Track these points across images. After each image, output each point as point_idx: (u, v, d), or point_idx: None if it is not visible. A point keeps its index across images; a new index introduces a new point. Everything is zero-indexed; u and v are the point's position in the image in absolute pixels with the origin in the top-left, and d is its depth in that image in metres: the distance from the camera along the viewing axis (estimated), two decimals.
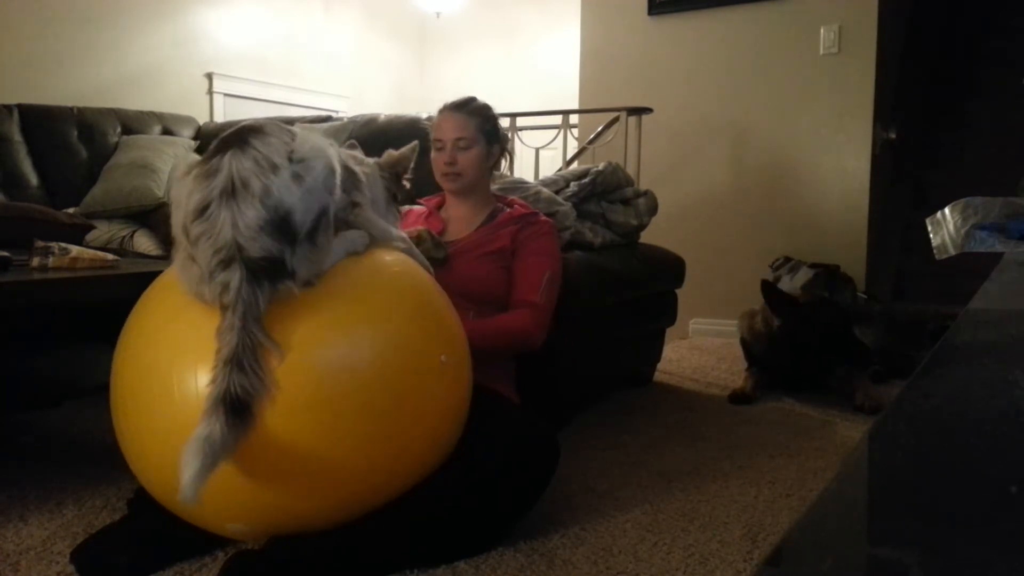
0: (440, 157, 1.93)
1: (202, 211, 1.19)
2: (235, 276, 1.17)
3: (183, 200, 1.23)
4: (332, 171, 1.28)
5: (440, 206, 2.05)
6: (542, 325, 1.86)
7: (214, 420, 1.12)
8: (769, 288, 2.74)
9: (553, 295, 1.90)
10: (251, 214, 1.17)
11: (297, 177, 1.21)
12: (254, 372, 1.15)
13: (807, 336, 2.65)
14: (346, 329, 1.30)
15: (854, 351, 2.67)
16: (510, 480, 1.48)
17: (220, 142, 1.25)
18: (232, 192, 1.17)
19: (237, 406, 1.13)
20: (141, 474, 1.37)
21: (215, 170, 1.20)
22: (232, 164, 1.19)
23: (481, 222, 1.97)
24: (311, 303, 1.26)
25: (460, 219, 1.99)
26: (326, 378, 1.25)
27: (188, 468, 1.09)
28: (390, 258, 1.46)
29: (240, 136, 1.23)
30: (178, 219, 1.24)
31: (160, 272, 1.51)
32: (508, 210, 1.99)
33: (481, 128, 1.94)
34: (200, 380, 1.21)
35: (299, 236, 1.21)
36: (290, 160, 1.22)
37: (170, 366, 1.26)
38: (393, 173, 1.63)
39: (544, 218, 2.03)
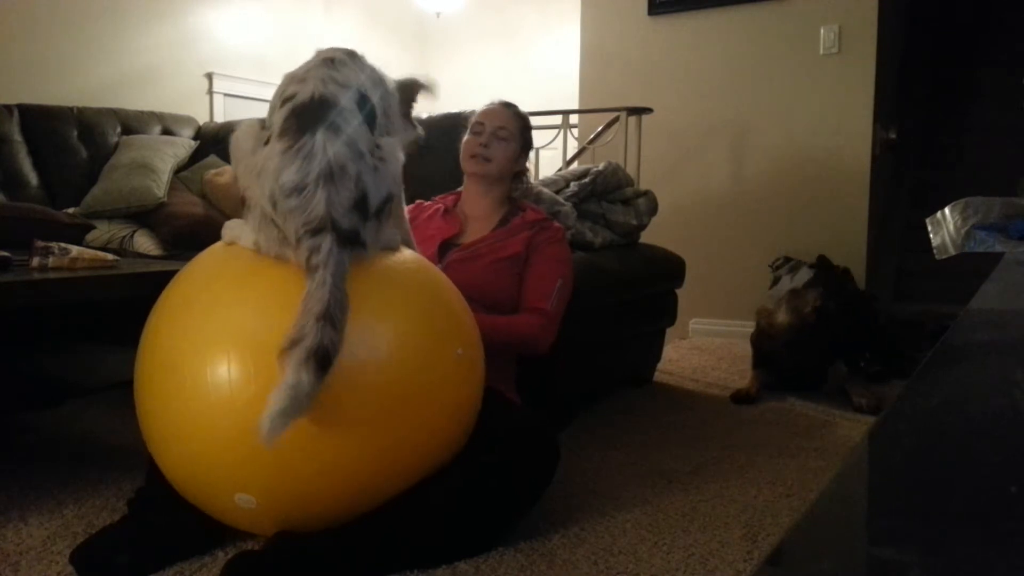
0: (475, 139, 1.96)
1: (299, 190, 1.25)
2: (326, 240, 1.24)
3: (271, 171, 1.28)
4: (400, 168, 1.41)
5: (456, 203, 2.05)
6: (550, 332, 1.87)
7: (303, 371, 1.15)
8: (826, 262, 2.87)
9: (563, 303, 1.91)
10: (345, 195, 1.27)
11: (375, 169, 1.33)
12: (341, 328, 1.21)
13: (836, 325, 2.68)
14: (366, 317, 1.32)
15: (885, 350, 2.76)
16: (511, 480, 1.48)
17: (300, 116, 1.30)
18: (331, 176, 1.26)
19: (324, 360, 1.17)
20: (163, 460, 1.39)
21: (311, 153, 1.27)
22: (328, 149, 1.27)
23: (496, 224, 1.98)
24: None
25: (477, 219, 1.99)
26: (345, 361, 1.26)
27: (274, 407, 1.13)
28: (406, 255, 1.50)
29: (325, 114, 1.30)
30: (264, 187, 1.28)
31: (162, 271, 1.52)
32: (521, 215, 1.99)
33: (520, 131, 2.01)
34: (232, 369, 1.24)
35: (370, 213, 1.31)
36: (371, 153, 1.33)
37: (201, 355, 1.28)
38: (406, 96, 1.62)
39: (557, 224, 2.04)
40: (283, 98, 1.35)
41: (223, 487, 1.33)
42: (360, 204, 1.29)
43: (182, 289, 1.41)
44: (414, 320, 1.39)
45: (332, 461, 1.28)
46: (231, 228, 1.43)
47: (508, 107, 2.02)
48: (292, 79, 1.37)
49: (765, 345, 2.85)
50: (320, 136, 1.27)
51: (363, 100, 1.37)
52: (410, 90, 1.61)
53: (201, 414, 1.28)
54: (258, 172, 1.30)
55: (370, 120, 1.39)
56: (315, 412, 1.23)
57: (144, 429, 1.40)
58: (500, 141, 1.96)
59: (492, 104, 2.03)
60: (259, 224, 1.32)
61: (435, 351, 1.39)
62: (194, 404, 1.28)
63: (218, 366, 1.26)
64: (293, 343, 1.18)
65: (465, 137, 1.99)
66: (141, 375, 1.38)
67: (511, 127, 1.98)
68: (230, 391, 1.25)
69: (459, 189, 2.07)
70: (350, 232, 1.27)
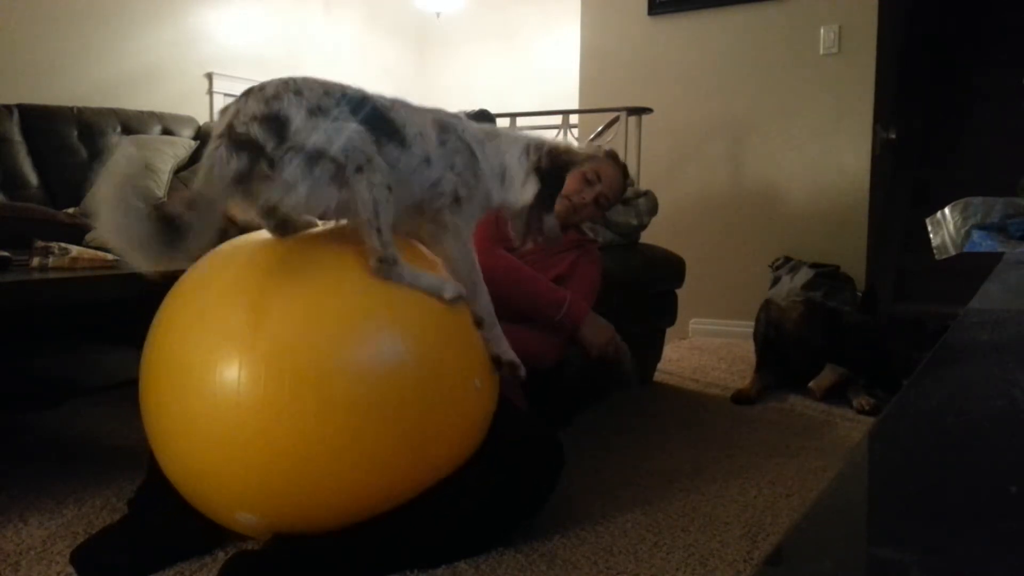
0: (584, 191, 1.98)
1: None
2: (220, 143, 1.22)
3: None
4: (363, 137, 1.28)
5: None
6: (563, 351, 1.95)
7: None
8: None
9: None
10: (252, 106, 1.23)
11: (312, 114, 1.25)
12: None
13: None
14: (385, 337, 1.30)
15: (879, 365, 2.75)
16: (516, 485, 1.47)
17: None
18: (247, 95, 1.26)
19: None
20: (169, 464, 1.37)
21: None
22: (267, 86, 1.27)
23: None
24: (351, 307, 1.27)
25: None
26: (357, 380, 1.25)
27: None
28: (442, 279, 1.46)
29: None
30: None
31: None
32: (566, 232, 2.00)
33: (614, 203, 2.14)
34: (242, 373, 1.22)
35: (287, 141, 1.21)
36: (336, 104, 1.30)
37: (207, 360, 1.25)
38: (553, 162, 1.46)
39: (595, 247, 2.14)
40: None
41: (224, 506, 1.32)
42: (275, 124, 1.21)
43: (186, 298, 1.38)
44: (434, 349, 1.35)
45: (335, 473, 1.26)
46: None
47: (625, 175, 2.09)
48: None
49: (772, 335, 2.85)
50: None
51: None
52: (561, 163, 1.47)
53: (206, 435, 1.25)
54: None
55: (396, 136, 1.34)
56: (321, 424, 1.21)
57: (150, 438, 1.38)
58: (596, 207, 2.03)
59: (618, 164, 2.07)
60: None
61: (452, 379, 1.36)
62: (199, 423, 1.25)
63: (228, 382, 1.22)
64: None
65: (577, 176, 1.94)
66: (146, 386, 1.36)
67: (614, 199, 2.07)
68: (239, 413, 1.22)
69: None
70: (244, 138, 1.20)
